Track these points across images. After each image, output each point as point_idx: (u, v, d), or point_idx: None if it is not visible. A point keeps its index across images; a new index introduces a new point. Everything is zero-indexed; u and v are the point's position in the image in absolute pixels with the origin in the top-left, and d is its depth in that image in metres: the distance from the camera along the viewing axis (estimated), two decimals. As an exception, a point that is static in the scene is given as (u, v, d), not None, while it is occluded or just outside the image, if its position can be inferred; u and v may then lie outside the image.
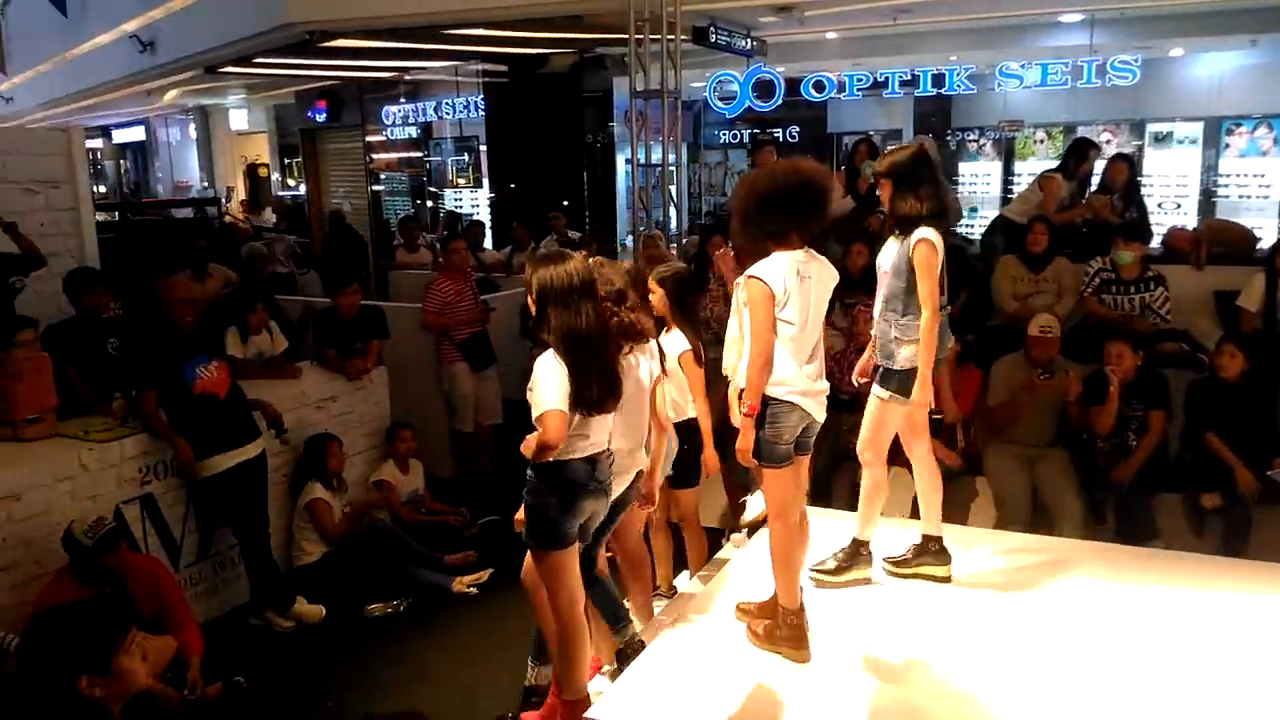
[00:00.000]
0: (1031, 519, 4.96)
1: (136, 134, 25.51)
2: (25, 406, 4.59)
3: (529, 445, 2.97)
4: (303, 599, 5.06)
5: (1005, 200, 11.89)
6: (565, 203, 13.32)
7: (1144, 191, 8.57)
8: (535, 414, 2.95)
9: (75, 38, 14.16)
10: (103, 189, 24.02)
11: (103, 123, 24.05)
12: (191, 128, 23.37)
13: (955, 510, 5.11)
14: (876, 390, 3.44)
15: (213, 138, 22.92)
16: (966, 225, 10.85)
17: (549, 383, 2.94)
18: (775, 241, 3.03)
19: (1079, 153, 7.07)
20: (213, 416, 4.71)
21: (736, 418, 3.08)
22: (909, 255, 3.30)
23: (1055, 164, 8.14)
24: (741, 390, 3.05)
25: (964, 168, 12.84)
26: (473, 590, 5.27)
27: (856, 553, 3.66)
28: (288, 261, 10.05)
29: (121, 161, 26.77)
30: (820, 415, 3.11)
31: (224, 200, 19.29)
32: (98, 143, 24.13)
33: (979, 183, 12.83)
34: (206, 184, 22.67)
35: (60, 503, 4.35)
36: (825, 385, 3.12)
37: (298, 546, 5.38)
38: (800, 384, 3.04)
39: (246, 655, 4.65)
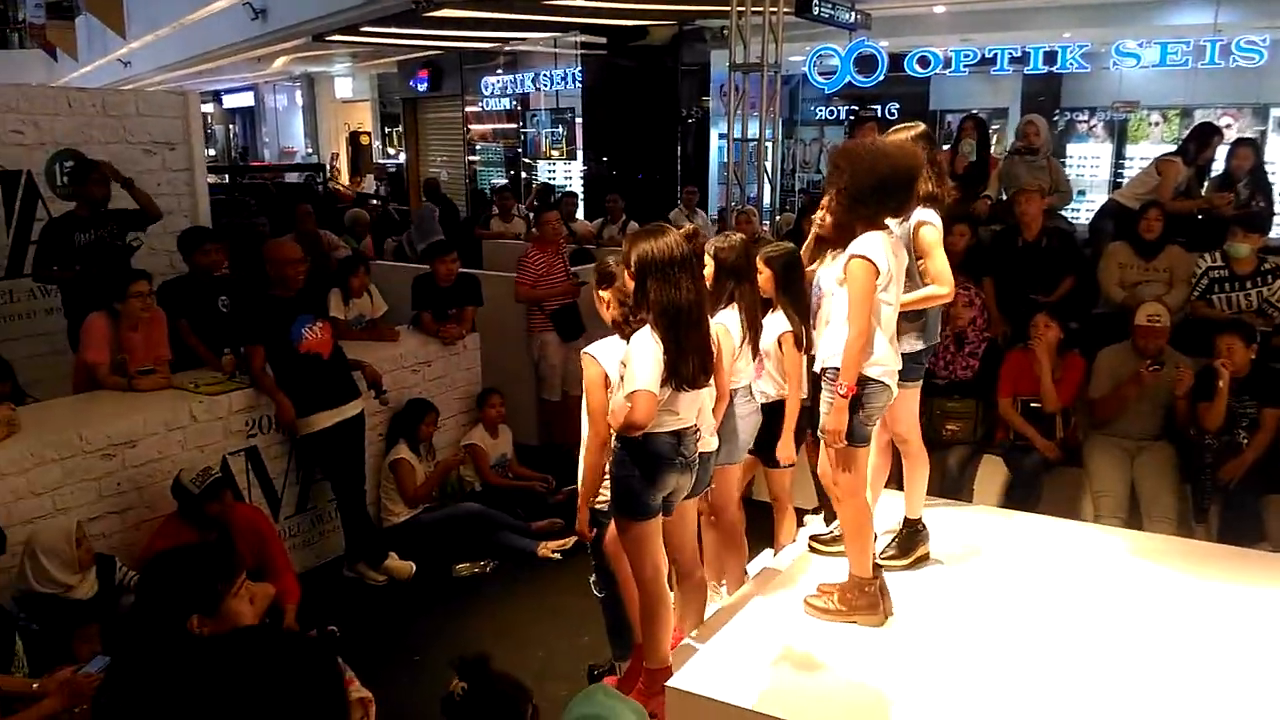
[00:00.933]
0: (1131, 514, 4.80)
1: (246, 99, 26.36)
2: (140, 357, 4.82)
3: (616, 418, 3.00)
4: (394, 555, 5.22)
5: (1115, 184, 11.45)
6: (657, 176, 13.31)
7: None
8: (626, 390, 2.97)
9: (192, 4, 14.65)
10: (212, 152, 24.90)
11: (214, 88, 24.89)
12: (298, 94, 24.02)
13: (1052, 502, 5.01)
14: None
15: (318, 105, 23.53)
16: (1073, 210, 10.50)
17: (643, 361, 2.95)
18: (873, 222, 2.98)
19: (1201, 138, 6.73)
20: (316, 375, 4.87)
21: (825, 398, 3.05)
22: (912, 232, 3.25)
23: (1172, 148, 7.78)
24: (826, 369, 3.01)
25: (1072, 149, 12.39)
26: (557, 556, 5.37)
27: (914, 532, 3.62)
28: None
29: (231, 126, 27.69)
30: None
31: (329, 166, 19.80)
32: (209, 107, 24.99)
33: (1087, 165, 12.37)
34: (311, 150, 23.30)
35: (171, 451, 4.56)
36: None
37: (384, 507, 5.55)
38: (892, 363, 3.02)
39: (339, 606, 4.83)
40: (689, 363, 2.98)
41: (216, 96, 26.15)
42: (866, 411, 2.99)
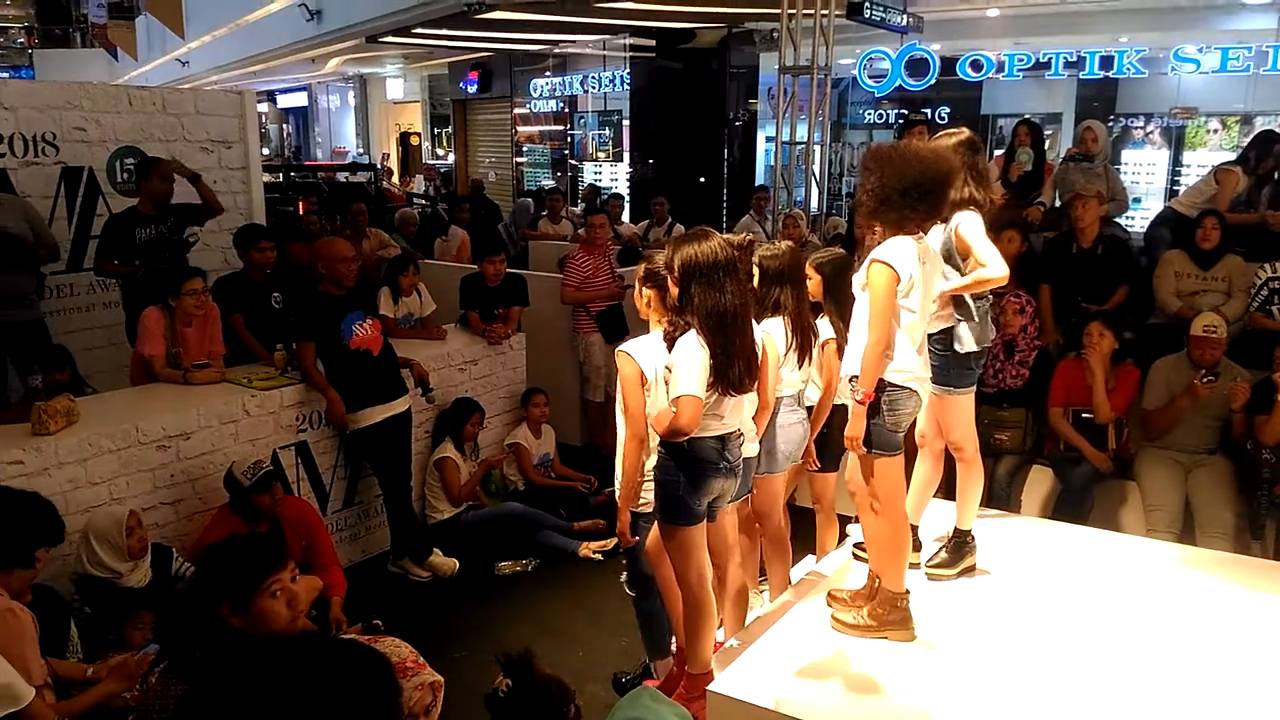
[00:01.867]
0: (1184, 529, 4.70)
1: (299, 99, 26.79)
2: (195, 352, 4.92)
3: (660, 423, 3.00)
4: (439, 551, 5.27)
5: (1172, 192, 11.22)
6: (702, 179, 13.30)
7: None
8: (671, 395, 2.97)
9: (249, 5, 14.94)
10: (266, 151, 25.35)
11: (269, 87, 25.33)
12: (351, 95, 24.38)
13: (1103, 515, 4.92)
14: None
15: (370, 105, 23.85)
16: (1128, 218, 10.32)
17: (689, 367, 2.95)
18: (902, 227, 2.94)
19: (1263, 147, 6.55)
20: (365, 372, 4.93)
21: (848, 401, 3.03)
22: (953, 235, 3.20)
23: (1231, 156, 7.61)
24: (852, 377, 2.99)
25: (1127, 156, 12.17)
26: (598, 556, 5.38)
27: (963, 543, 3.57)
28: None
29: (284, 125, 28.14)
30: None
31: (379, 166, 20.06)
32: (263, 107, 25.47)
33: (1142, 173, 12.14)
34: (362, 150, 23.62)
35: (224, 444, 4.65)
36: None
37: (429, 504, 5.61)
38: (920, 371, 2.99)
39: (384, 599, 4.88)
40: (735, 367, 2.98)
41: (271, 96, 26.64)
42: (894, 418, 2.96)
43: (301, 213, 10.73)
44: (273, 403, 4.86)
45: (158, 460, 4.39)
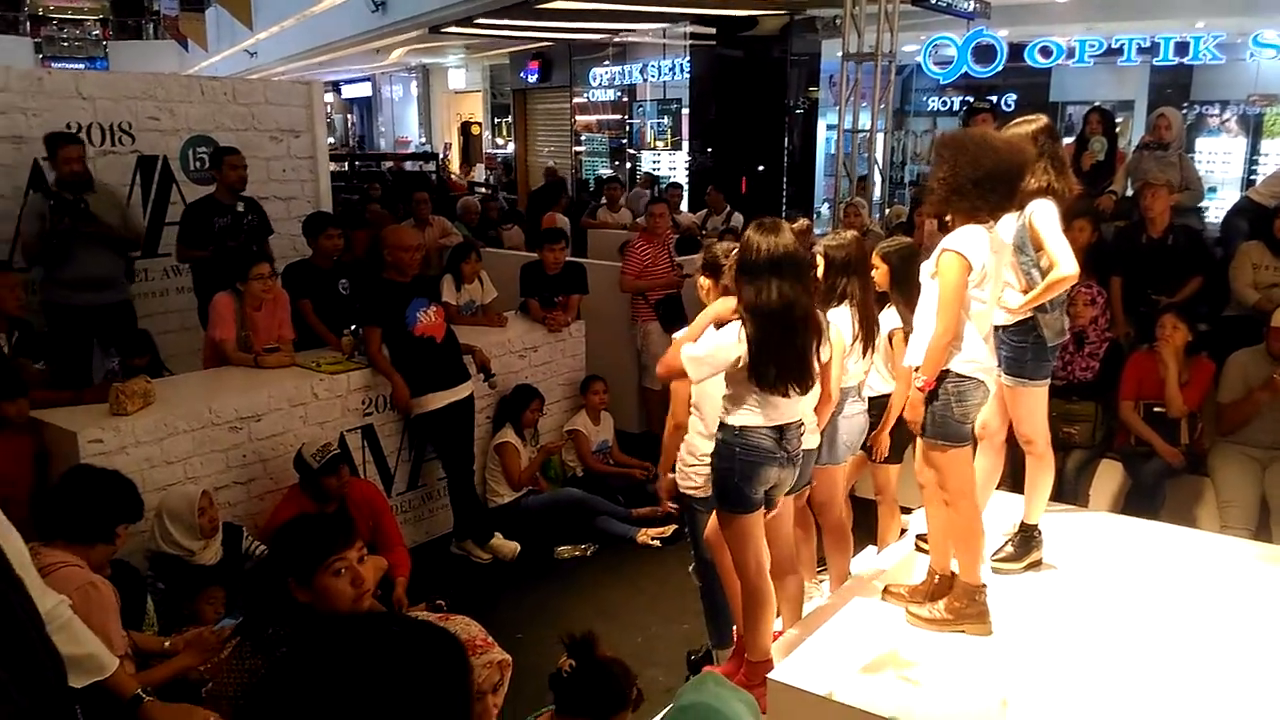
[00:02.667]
0: (1259, 526, 4.57)
1: (363, 90, 27.17)
2: (264, 336, 5.03)
3: (661, 363, 3.17)
4: (500, 535, 5.34)
5: (1249, 182, 10.86)
6: (761, 168, 13.21)
7: None
8: (686, 348, 3.04)
9: (316, -4, 15.16)
10: (331, 140, 25.76)
11: (333, 78, 25.73)
12: (413, 85, 24.64)
13: (1174, 511, 4.80)
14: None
15: (432, 95, 24.09)
16: (1203, 208, 10.02)
17: (713, 338, 3.01)
18: (974, 217, 2.88)
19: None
20: (429, 358, 5.00)
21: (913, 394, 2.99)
22: (1027, 224, 3.11)
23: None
24: (916, 366, 2.95)
25: (1201, 144, 11.80)
26: (656, 543, 5.40)
27: (1030, 537, 3.51)
28: None
29: (349, 115, 28.57)
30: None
31: (442, 156, 20.28)
32: (328, 97, 25.85)
33: (1217, 161, 11.77)
34: (424, 140, 23.87)
35: (293, 426, 4.75)
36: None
37: (490, 488, 5.68)
38: (988, 361, 2.95)
39: (446, 581, 4.95)
40: (770, 366, 2.92)
41: (335, 86, 27.05)
42: (962, 409, 2.92)
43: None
44: (340, 386, 4.96)
45: (230, 441, 4.51)
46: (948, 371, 2.89)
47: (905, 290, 3.83)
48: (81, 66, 23.12)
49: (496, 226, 10.22)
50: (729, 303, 3.08)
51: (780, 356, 2.93)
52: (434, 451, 5.34)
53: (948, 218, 2.99)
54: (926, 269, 2.99)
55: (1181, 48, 11.09)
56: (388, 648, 1.08)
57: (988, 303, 2.92)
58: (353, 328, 5.16)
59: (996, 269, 2.93)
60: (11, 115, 5.78)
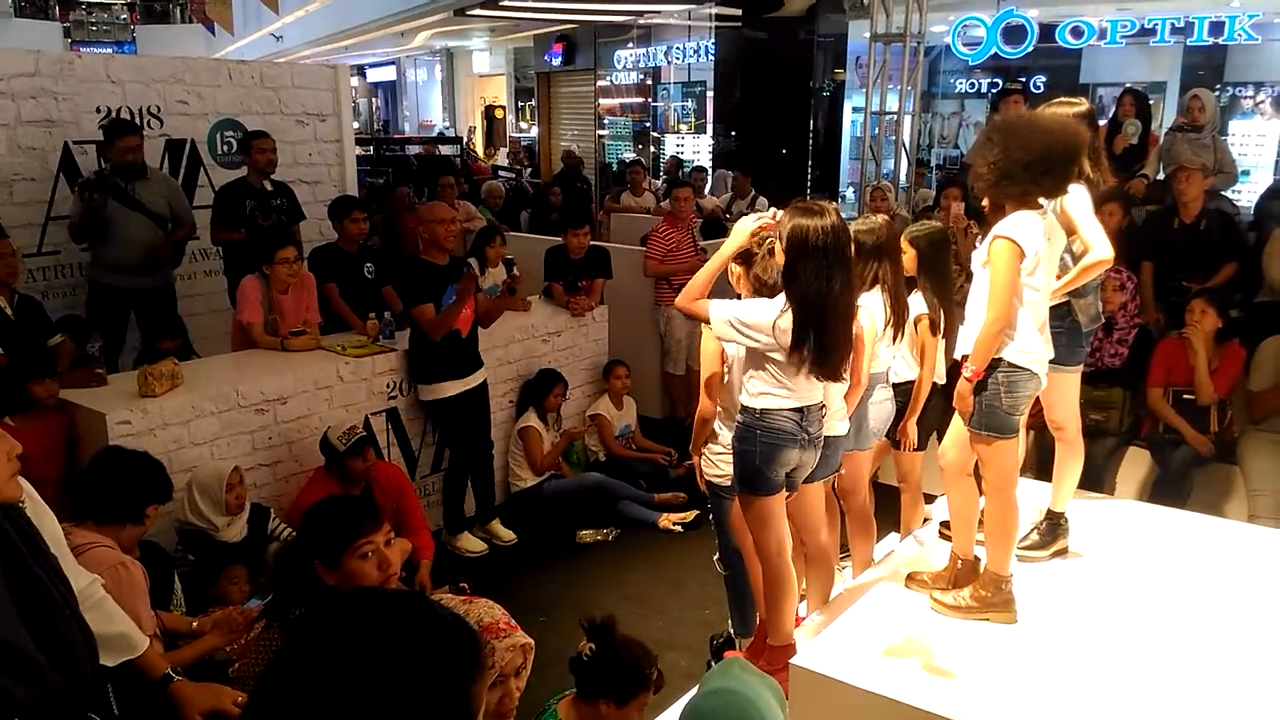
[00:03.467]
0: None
1: (388, 74, 27.19)
2: (290, 319, 5.07)
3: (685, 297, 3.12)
4: (498, 521, 5.37)
5: (1285, 164, 10.68)
6: (785, 151, 13.12)
7: None
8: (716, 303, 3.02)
9: (341, -21, 15.18)
10: (356, 124, 25.81)
11: (358, 62, 25.77)
12: (437, 69, 24.64)
13: (1202, 499, 4.75)
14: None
15: (456, 79, 24.08)
16: (1235, 191, 9.86)
17: (751, 304, 3.00)
18: (1025, 202, 2.83)
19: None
20: (451, 350, 5.00)
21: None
22: (1059, 209, 3.04)
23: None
24: (964, 356, 2.90)
25: (1235, 126, 11.60)
26: (678, 529, 5.41)
27: (1056, 525, 3.48)
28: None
29: (373, 99, 28.62)
30: None
31: (466, 140, 20.27)
32: (353, 81, 25.90)
33: (1251, 145, 11.56)
34: (448, 124, 23.88)
35: (319, 409, 4.79)
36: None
37: (512, 472, 5.70)
38: (1043, 352, 2.89)
39: (468, 563, 5.00)
40: (803, 349, 2.90)
41: (360, 70, 27.09)
42: (1012, 400, 2.86)
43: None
44: (365, 370, 4.99)
45: (256, 423, 4.55)
46: (999, 360, 2.84)
47: (933, 275, 3.79)
48: (110, 50, 23.28)
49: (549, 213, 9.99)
50: (744, 230, 3.09)
51: (818, 341, 2.91)
52: (440, 436, 5.34)
53: (997, 204, 2.93)
54: (978, 257, 2.93)
55: (1216, 28, 10.90)
56: (394, 626, 1.09)
57: (1041, 290, 2.84)
58: (385, 314, 5.18)
59: (1050, 256, 2.88)
60: (42, 99, 5.83)
